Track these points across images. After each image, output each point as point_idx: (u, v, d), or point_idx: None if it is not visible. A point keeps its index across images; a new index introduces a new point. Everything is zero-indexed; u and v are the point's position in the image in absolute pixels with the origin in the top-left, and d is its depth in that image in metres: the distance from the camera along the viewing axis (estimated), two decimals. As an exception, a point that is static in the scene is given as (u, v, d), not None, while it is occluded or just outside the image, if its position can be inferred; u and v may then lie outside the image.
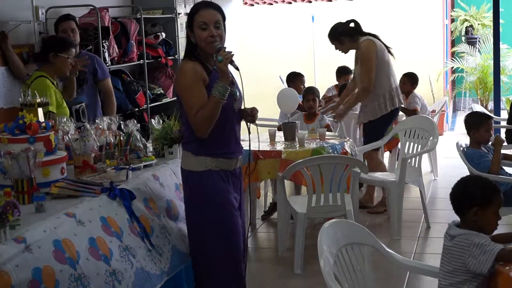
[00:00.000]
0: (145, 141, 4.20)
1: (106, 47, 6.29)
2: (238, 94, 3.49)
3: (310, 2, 11.74)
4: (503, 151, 5.06)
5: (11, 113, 5.04)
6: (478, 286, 2.84)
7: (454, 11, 12.88)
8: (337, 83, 7.94)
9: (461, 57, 12.15)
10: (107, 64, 6.15)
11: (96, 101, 5.69)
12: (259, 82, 10.61)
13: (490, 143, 5.03)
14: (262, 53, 11.66)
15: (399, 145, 6.48)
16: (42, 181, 3.27)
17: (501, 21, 8.87)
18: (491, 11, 9.06)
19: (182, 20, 7.60)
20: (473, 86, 12.09)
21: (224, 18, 3.44)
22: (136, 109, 6.78)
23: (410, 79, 7.67)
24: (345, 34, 6.21)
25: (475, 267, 2.78)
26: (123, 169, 3.62)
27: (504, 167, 5.07)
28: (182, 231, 3.72)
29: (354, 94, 6.40)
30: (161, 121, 4.22)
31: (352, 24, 6.25)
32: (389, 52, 6.23)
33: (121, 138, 4.02)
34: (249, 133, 3.63)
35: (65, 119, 4.02)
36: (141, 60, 7.04)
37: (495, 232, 2.97)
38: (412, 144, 6.11)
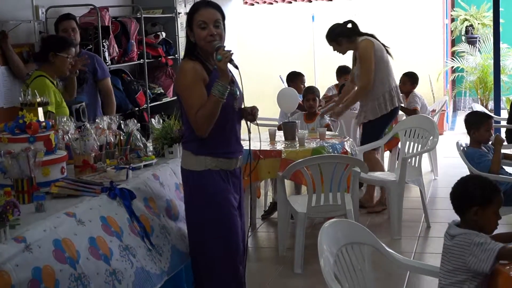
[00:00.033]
0: (145, 141, 4.21)
1: (106, 47, 6.29)
2: (238, 93, 3.49)
3: (310, 1, 11.74)
4: (503, 151, 5.07)
5: (11, 113, 5.04)
6: (478, 286, 2.84)
7: (454, 11, 12.88)
8: (337, 82, 7.94)
9: (461, 57, 12.15)
10: (107, 64, 6.15)
11: (96, 101, 5.69)
12: (259, 82, 10.61)
13: (490, 142, 5.03)
14: (262, 52, 11.66)
15: (399, 145, 6.48)
16: (42, 181, 3.28)
17: (501, 20, 8.86)
18: (491, 10, 9.06)
19: (182, 20, 7.60)
20: (473, 86, 12.09)
21: (223, 17, 3.44)
22: (136, 108, 6.78)
23: (410, 79, 7.67)
24: (342, 35, 6.22)
25: (476, 265, 2.78)
26: (123, 168, 3.62)
27: (504, 167, 5.07)
28: (181, 230, 3.72)
29: (353, 92, 6.40)
30: (161, 121, 4.22)
31: (349, 25, 6.26)
32: (387, 51, 6.24)
33: (121, 138, 4.02)
34: (249, 132, 3.63)
35: (65, 119, 4.01)
36: (141, 60, 7.04)
37: (495, 232, 2.96)
38: (412, 143, 6.11)
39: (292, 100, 6.33)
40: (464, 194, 2.96)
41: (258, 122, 3.61)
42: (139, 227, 3.41)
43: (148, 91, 7.06)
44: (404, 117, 7.03)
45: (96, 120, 4.13)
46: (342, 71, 7.97)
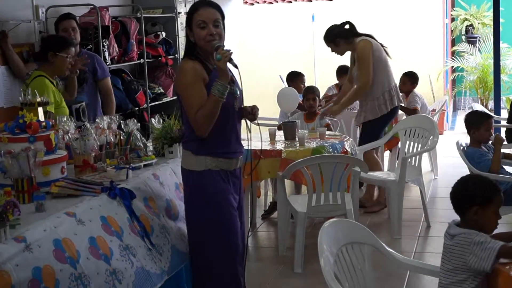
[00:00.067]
0: (145, 141, 4.21)
1: (106, 46, 6.29)
2: (238, 92, 3.49)
3: (310, 1, 11.73)
4: (503, 150, 5.07)
5: (11, 112, 5.04)
6: (479, 285, 2.84)
7: (454, 10, 12.88)
8: (337, 82, 7.94)
9: (461, 56, 12.14)
10: (107, 63, 6.15)
11: (96, 100, 5.69)
12: (259, 81, 10.61)
13: (490, 142, 5.03)
14: (262, 52, 11.66)
15: (399, 144, 6.48)
16: (42, 181, 3.28)
17: (501, 20, 8.86)
18: (491, 10, 9.06)
19: (182, 19, 7.60)
20: (473, 85, 12.09)
21: (223, 17, 3.44)
22: (136, 108, 6.79)
23: (410, 78, 7.67)
24: (340, 36, 6.22)
25: (477, 264, 2.78)
26: (123, 168, 3.62)
27: (504, 166, 5.07)
28: (181, 230, 3.72)
29: (351, 91, 6.39)
30: (161, 121, 4.22)
31: (347, 26, 6.27)
32: (385, 51, 6.25)
33: (121, 138, 4.02)
34: (249, 132, 3.63)
35: (65, 119, 4.01)
36: (141, 59, 7.04)
37: (495, 231, 2.96)
38: (412, 143, 6.11)
39: (292, 99, 6.33)
40: (464, 194, 2.97)
41: (258, 122, 3.61)
42: (139, 226, 3.41)
43: (148, 90, 7.06)
44: (404, 117, 7.03)
45: (96, 120, 4.13)
46: (342, 71, 7.96)
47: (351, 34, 6.23)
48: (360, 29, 6.31)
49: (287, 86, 7.20)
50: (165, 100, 7.37)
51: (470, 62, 11.98)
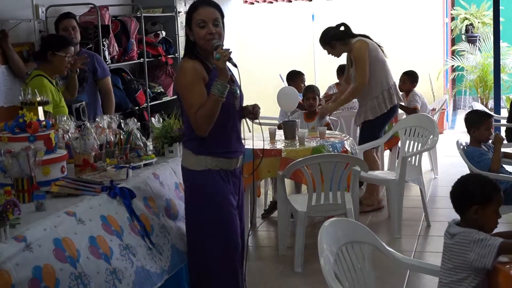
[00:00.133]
0: (145, 140, 4.21)
1: (106, 46, 6.29)
2: (238, 91, 3.49)
3: (310, 0, 11.72)
4: (503, 150, 5.07)
5: (11, 112, 5.04)
6: (479, 284, 2.84)
7: (454, 10, 12.87)
8: (338, 81, 7.94)
9: (461, 56, 12.14)
10: (107, 63, 6.15)
11: (96, 100, 5.69)
12: (259, 81, 10.61)
13: (490, 141, 5.03)
14: (262, 51, 11.65)
15: (399, 144, 6.48)
16: (42, 180, 3.28)
17: (501, 19, 8.86)
18: (491, 9, 9.05)
19: (182, 19, 7.60)
20: (473, 85, 12.09)
21: (222, 16, 3.44)
22: (136, 107, 6.78)
23: (410, 78, 7.66)
24: (336, 38, 6.23)
25: (478, 262, 2.78)
26: (123, 167, 3.62)
27: (504, 166, 5.07)
28: (181, 230, 3.72)
29: (350, 88, 6.38)
30: (161, 120, 4.22)
31: (342, 28, 6.28)
32: (382, 50, 6.25)
33: (121, 137, 4.02)
34: (250, 131, 3.62)
35: (65, 118, 4.01)
36: (141, 59, 7.03)
37: (495, 231, 2.96)
38: (412, 142, 6.10)
39: (292, 99, 6.33)
40: (464, 193, 2.97)
41: (260, 121, 3.61)
42: (139, 226, 3.41)
43: (148, 90, 7.06)
44: (404, 116, 7.03)
45: (96, 119, 4.13)
46: (343, 70, 7.93)
47: (347, 35, 6.24)
48: (360, 29, 6.31)
49: (287, 85, 7.20)
50: (165, 99, 7.37)
51: (470, 61, 11.97)
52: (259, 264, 5.15)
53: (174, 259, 3.56)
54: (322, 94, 7.11)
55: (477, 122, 5.00)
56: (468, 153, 5.00)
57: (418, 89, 7.78)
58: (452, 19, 12.82)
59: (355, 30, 6.39)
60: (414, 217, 6.06)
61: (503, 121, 7.38)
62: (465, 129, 5.16)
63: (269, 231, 6.05)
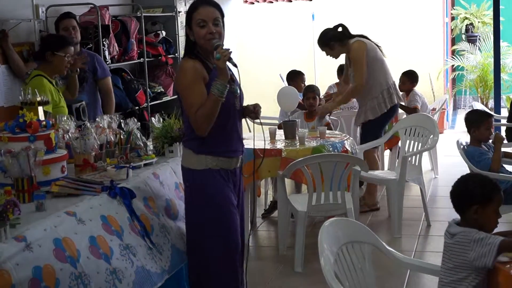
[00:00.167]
0: (146, 140, 4.21)
1: (106, 46, 6.29)
2: (238, 91, 3.49)
3: (311, 0, 11.72)
4: (503, 149, 5.06)
5: (11, 112, 5.04)
6: (479, 283, 2.84)
7: (454, 9, 12.87)
8: (338, 81, 7.93)
9: (462, 55, 12.14)
10: (107, 63, 6.15)
11: (96, 100, 5.69)
12: (259, 81, 10.60)
13: (490, 141, 5.03)
14: (262, 51, 11.64)
15: (399, 143, 6.48)
16: (42, 180, 3.28)
17: (501, 18, 8.85)
18: (491, 9, 9.05)
19: (182, 18, 7.60)
20: (473, 84, 12.09)
21: (223, 16, 3.44)
22: (137, 107, 6.79)
23: (409, 78, 7.65)
24: (334, 39, 6.24)
25: (479, 261, 2.78)
26: (123, 167, 3.62)
27: (504, 165, 5.07)
28: (181, 230, 3.72)
29: (346, 90, 6.39)
30: (161, 120, 4.22)
31: (340, 29, 6.28)
32: (380, 50, 6.25)
33: (122, 137, 4.02)
34: (250, 131, 3.63)
35: (65, 118, 4.01)
36: (141, 59, 7.04)
37: (495, 230, 2.96)
38: (412, 142, 6.10)
39: (292, 98, 6.33)
40: (464, 193, 2.97)
41: (261, 120, 3.61)
42: (140, 226, 3.41)
43: (148, 90, 7.06)
44: (405, 116, 7.03)
45: (97, 119, 4.13)
46: (343, 70, 7.96)
47: (345, 36, 6.25)
48: (360, 28, 6.32)
49: (287, 85, 7.20)
50: (165, 99, 7.37)
51: (470, 61, 11.97)
52: (259, 264, 5.15)
53: (174, 259, 3.56)
54: (322, 94, 7.11)
55: (477, 121, 5.00)
56: (468, 152, 5.00)
57: (418, 88, 7.77)
58: (452, 18, 12.82)
59: (355, 30, 6.40)
60: (414, 217, 6.06)
61: (503, 121, 7.38)
62: (465, 129, 5.16)
63: (269, 231, 6.05)
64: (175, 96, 4.35)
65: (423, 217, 5.98)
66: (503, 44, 10.54)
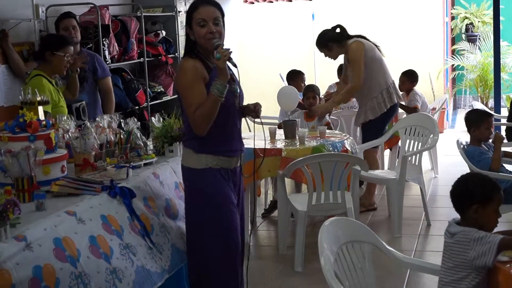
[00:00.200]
0: (146, 139, 4.21)
1: (106, 45, 6.29)
2: (238, 91, 3.49)
3: (310, 0, 11.72)
4: (503, 149, 5.06)
5: (11, 111, 5.04)
6: (479, 283, 2.84)
7: (454, 9, 12.87)
8: (338, 80, 7.93)
9: (462, 55, 12.14)
10: (107, 62, 6.15)
11: (96, 100, 5.69)
12: (259, 80, 10.60)
13: (490, 140, 5.03)
14: (262, 51, 11.64)
15: (399, 143, 6.48)
16: (42, 179, 3.28)
17: (501, 18, 8.86)
18: (491, 8, 9.05)
19: (182, 18, 7.60)
20: (473, 84, 12.09)
21: (223, 15, 3.44)
22: (137, 107, 6.79)
23: (409, 78, 7.65)
24: (332, 40, 6.24)
25: (479, 260, 2.78)
26: (123, 167, 3.62)
27: (504, 165, 5.07)
28: (181, 229, 3.72)
29: (344, 90, 6.38)
30: (161, 119, 4.22)
31: (338, 30, 6.28)
32: (379, 50, 6.25)
33: (122, 136, 4.02)
34: (250, 130, 3.63)
35: (65, 117, 4.01)
36: (141, 58, 7.04)
37: (495, 230, 2.97)
38: (412, 141, 6.10)
39: (292, 98, 6.32)
40: (464, 192, 2.97)
41: (261, 120, 3.61)
42: (140, 225, 3.41)
43: (148, 89, 7.06)
44: (405, 115, 7.03)
45: (97, 119, 4.13)
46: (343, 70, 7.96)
47: (343, 37, 6.25)
48: (360, 28, 6.32)
49: (287, 84, 7.20)
50: (165, 99, 7.37)
51: (470, 61, 11.98)
52: (259, 264, 5.15)
53: (174, 258, 3.56)
54: (322, 93, 7.11)
55: (477, 121, 5.00)
56: (468, 152, 5.00)
57: (418, 88, 7.77)
58: (452, 18, 12.82)
59: (355, 30, 6.39)
60: (414, 216, 6.06)
61: (503, 120, 7.37)
62: (465, 128, 5.16)
63: (269, 231, 6.05)
64: (175, 96, 4.36)
65: (423, 217, 5.98)
66: (503, 43, 10.54)
